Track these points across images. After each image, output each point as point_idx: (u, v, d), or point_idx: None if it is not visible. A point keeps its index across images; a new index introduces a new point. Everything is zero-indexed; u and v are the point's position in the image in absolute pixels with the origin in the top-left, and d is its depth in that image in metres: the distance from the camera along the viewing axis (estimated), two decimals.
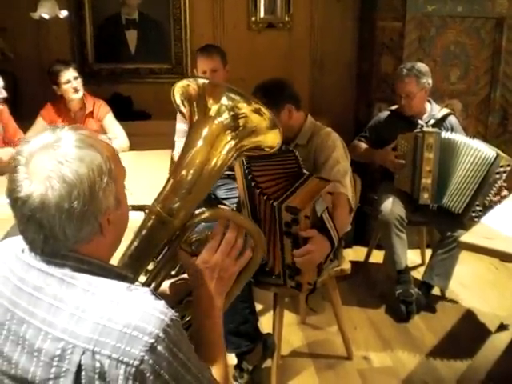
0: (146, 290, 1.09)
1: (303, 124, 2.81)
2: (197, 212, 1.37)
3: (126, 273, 1.19)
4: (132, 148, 3.84)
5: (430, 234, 4.08)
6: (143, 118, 4.47)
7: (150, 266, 1.40)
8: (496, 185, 3.29)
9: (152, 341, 0.99)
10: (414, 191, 3.45)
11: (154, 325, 1.01)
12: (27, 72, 4.46)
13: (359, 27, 4.58)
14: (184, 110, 1.41)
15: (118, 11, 4.46)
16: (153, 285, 1.40)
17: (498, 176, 3.28)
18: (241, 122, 1.33)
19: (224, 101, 1.32)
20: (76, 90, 3.74)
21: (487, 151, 3.30)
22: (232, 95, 1.32)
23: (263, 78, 2.79)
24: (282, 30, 4.59)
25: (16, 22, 3.77)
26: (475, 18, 4.01)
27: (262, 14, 4.53)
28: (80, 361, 1.00)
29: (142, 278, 1.40)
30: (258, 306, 3.41)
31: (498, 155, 3.26)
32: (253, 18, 4.53)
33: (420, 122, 3.58)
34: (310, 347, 3.16)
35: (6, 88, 4.26)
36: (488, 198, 3.31)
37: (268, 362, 2.81)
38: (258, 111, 1.34)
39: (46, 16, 3.38)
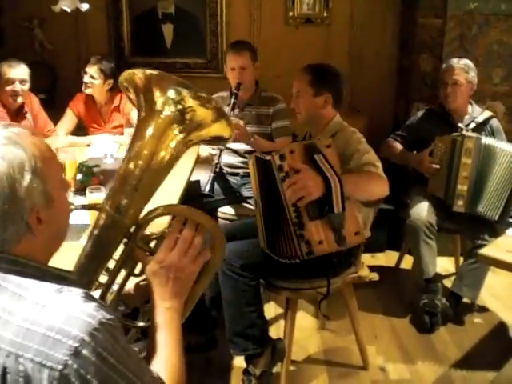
0: (79, 291, 1.05)
1: (331, 121, 2.73)
2: (150, 209, 1.31)
3: (68, 274, 1.16)
4: None
5: (464, 242, 3.89)
6: None
7: (111, 265, 1.36)
8: None
9: (76, 345, 0.96)
10: (447, 197, 3.29)
11: (78, 328, 0.98)
12: (65, 63, 4.51)
13: (400, 23, 4.42)
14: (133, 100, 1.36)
15: (154, 5, 4.46)
16: (116, 285, 1.38)
17: None
18: (187, 115, 1.27)
19: (171, 94, 1.26)
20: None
21: (505, 148, 3.17)
22: (179, 88, 1.26)
23: None
24: (321, 26, 4.48)
25: (54, 14, 3.78)
26: None
27: (299, 9, 4.43)
28: (4, 364, 0.98)
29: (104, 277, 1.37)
30: (278, 310, 3.34)
31: None
32: (290, 13, 4.44)
33: (460, 124, 3.42)
34: (326, 354, 3.06)
35: (43, 79, 4.34)
36: None
37: (279, 368, 2.74)
38: (204, 104, 1.28)
39: (68, 9, 3.38)
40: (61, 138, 3.62)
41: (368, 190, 2.46)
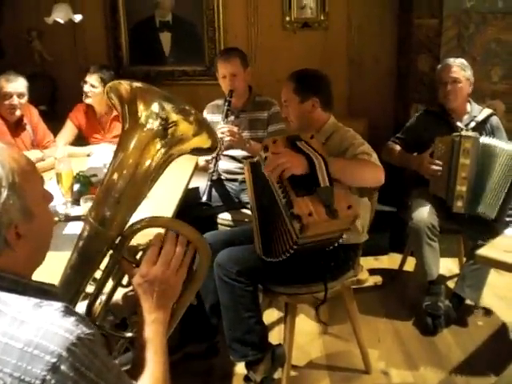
0: (58, 306, 1.05)
1: (325, 123, 2.72)
2: (134, 221, 1.31)
3: (50, 287, 1.15)
4: None
5: (468, 242, 3.85)
6: None
7: (98, 275, 1.37)
8: None
9: (54, 360, 0.96)
10: (448, 198, 3.27)
11: (56, 343, 0.98)
12: (65, 74, 4.53)
13: (397, 25, 4.40)
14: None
15: (151, 14, 4.47)
16: (104, 295, 1.38)
17: None
18: (170, 130, 1.28)
19: (155, 108, 1.26)
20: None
21: (505, 147, 3.15)
22: (163, 102, 1.25)
23: None
24: (318, 30, 4.47)
25: (52, 26, 3.81)
26: None
27: (296, 14, 4.42)
28: None
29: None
30: (279, 315, 3.33)
31: None
32: (287, 18, 4.43)
33: (459, 124, 3.40)
34: (328, 358, 3.04)
35: (43, 91, 4.35)
36: None
37: (280, 373, 2.72)
38: (187, 118, 1.28)
39: (61, 20, 3.40)
40: (60, 149, 3.64)
41: (357, 175, 2.42)
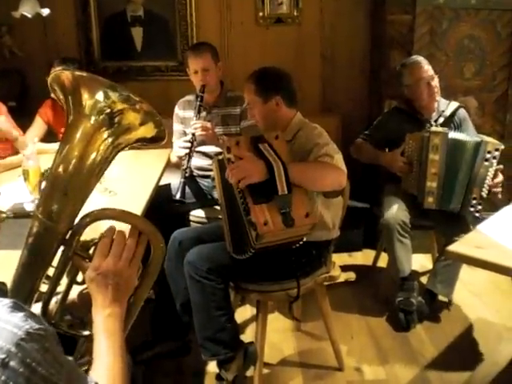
0: (6, 302, 1.01)
1: (291, 120, 2.69)
2: (83, 214, 1.27)
3: None
4: (134, 147, 3.75)
5: (440, 238, 3.86)
6: None
7: (50, 273, 1.32)
8: (489, 173, 3.11)
9: (3, 356, 0.92)
10: (419, 194, 3.27)
11: (4, 339, 0.94)
12: (35, 70, 4.43)
13: (371, 21, 4.38)
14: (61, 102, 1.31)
15: (123, 8, 4.39)
16: (59, 294, 1.34)
17: (487, 163, 3.13)
18: (116, 119, 1.23)
19: (99, 96, 1.22)
20: None
21: (472, 140, 3.17)
22: (108, 91, 1.21)
23: None
24: (291, 25, 4.43)
25: (23, 21, 3.73)
26: (490, 10, 3.79)
27: (269, 9, 4.38)
28: None
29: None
30: (253, 312, 3.30)
31: (481, 141, 3.13)
32: (260, 13, 4.38)
33: (430, 120, 3.40)
34: (302, 356, 3.02)
35: (13, 87, 4.27)
36: (484, 189, 3.13)
37: (252, 372, 2.70)
38: (133, 107, 1.24)
39: (28, 15, 3.33)
40: (29, 146, 3.56)
41: (318, 180, 2.41)
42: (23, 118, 3.90)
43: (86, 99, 1.22)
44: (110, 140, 1.25)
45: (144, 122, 1.27)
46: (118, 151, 1.29)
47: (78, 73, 1.23)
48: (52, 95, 3.53)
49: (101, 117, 1.22)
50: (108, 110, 1.21)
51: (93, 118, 1.22)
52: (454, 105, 3.46)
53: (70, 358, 1.09)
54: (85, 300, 1.37)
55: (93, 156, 1.24)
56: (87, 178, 1.26)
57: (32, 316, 1.01)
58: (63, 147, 1.25)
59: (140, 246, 1.28)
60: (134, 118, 1.25)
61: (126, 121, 1.24)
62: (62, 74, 1.23)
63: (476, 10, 3.79)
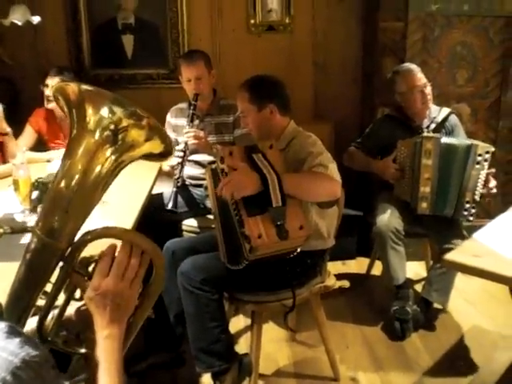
0: (2, 326, 0.97)
1: (285, 129, 2.67)
2: (85, 231, 1.24)
3: None
4: None
5: (434, 246, 3.85)
6: None
7: (49, 289, 1.29)
8: (481, 176, 3.10)
9: None
10: (412, 200, 3.26)
11: (0, 367, 0.90)
12: (25, 77, 4.40)
13: (363, 29, 4.37)
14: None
15: (114, 16, 4.35)
16: (56, 309, 1.31)
17: (479, 166, 3.12)
18: (120, 136, 1.20)
19: (104, 112, 1.19)
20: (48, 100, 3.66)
21: (463, 143, 3.17)
22: (113, 106, 1.18)
23: None
24: (283, 33, 4.41)
25: (13, 29, 3.69)
26: (483, 17, 3.79)
27: (261, 17, 4.36)
28: None
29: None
30: (248, 322, 3.27)
31: (472, 144, 3.13)
32: (252, 21, 4.36)
33: (421, 127, 3.39)
34: (297, 366, 2.99)
35: (3, 95, 4.22)
36: (477, 193, 3.12)
37: (247, 383, 2.66)
38: (138, 123, 1.20)
39: (19, 22, 3.30)
40: (18, 155, 3.52)
41: (312, 191, 2.40)
42: (13, 126, 3.85)
43: (91, 114, 1.19)
44: (113, 157, 1.22)
45: (149, 137, 1.24)
46: (122, 168, 1.26)
47: (84, 86, 1.20)
48: (46, 105, 3.50)
49: (105, 133, 1.19)
50: (112, 127, 1.18)
51: (97, 134, 1.19)
52: (446, 111, 3.45)
53: (67, 383, 1.06)
54: (82, 317, 1.34)
55: (96, 172, 1.21)
56: (89, 194, 1.23)
57: (28, 341, 0.98)
58: (65, 162, 1.22)
59: (142, 266, 1.24)
60: (138, 135, 1.22)
61: (131, 138, 1.21)
62: (68, 86, 1.20)
63: (468, 17, 3.79)
